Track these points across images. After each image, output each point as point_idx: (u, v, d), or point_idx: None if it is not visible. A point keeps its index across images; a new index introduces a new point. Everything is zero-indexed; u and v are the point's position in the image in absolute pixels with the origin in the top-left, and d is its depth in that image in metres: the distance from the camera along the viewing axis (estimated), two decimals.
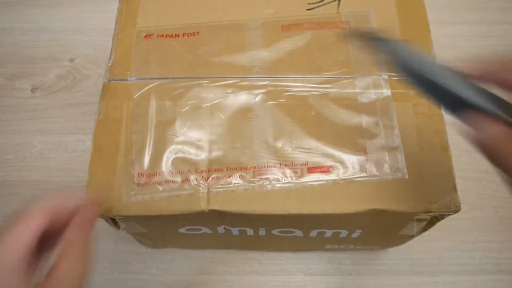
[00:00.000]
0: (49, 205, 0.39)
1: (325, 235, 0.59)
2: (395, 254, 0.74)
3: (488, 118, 0.29)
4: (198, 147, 0.49)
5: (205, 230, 0.57)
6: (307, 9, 0.57)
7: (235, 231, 0.58)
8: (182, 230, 0.57)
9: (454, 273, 0.73)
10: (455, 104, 0.30)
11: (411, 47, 0.34)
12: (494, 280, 0.72)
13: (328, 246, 0.68)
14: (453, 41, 0.90)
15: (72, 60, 0.93)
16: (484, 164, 0.79)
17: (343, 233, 0.57)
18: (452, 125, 0.57)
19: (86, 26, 0.97)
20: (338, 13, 0.56)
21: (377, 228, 0.55)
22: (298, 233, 0.57)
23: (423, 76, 0.31)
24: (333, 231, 0.57)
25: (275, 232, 0.57)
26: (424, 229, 0.52)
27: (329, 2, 0.57)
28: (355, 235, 0.58)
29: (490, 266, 0.73)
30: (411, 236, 0.58)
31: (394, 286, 0.73)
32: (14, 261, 0.34)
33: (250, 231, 0.58)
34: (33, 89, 0.90)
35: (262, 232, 0.58)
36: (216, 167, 0.48)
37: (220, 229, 0.57)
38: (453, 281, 0.72)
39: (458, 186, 0.47)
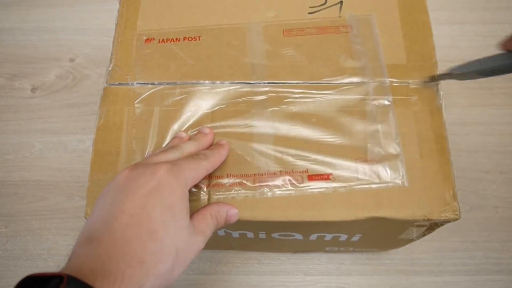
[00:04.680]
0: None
1: (325, 239, 0.59)
2: (395, 254, 0.74)
3: None
4: None
5: None
6: (309, 13, 0.57)
7: (235, 234, 0.58)
8: None
9: (454, 273, 0.73)
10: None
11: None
12: (494, 280, 0.72)
13: (328, 248, 0.69)
14: (453, 41, 0.90)
15: (72, 60, 0.93)
16: (484, 164, 0.80)
17: (343, 237, 0.57)
18: (452, 126, 0.58)
19: (86, 26, 0.97)
20: (340, 16, 0.56)
21: (376, 233, 0.56)
22: (298, 236, 0.58)
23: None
24: (333, 235, 0.57)
25: (275, 235, 0.57)
26: (424, 234, 0.52)
27: (331, 6, 0.57)
28: (355, 238, 0.58)
29: (490, 266, 0.73)
30: (411, 240, 0.58)
31: (394, 286, 0.73)
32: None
33: (250, 234, 0.58)
34: (33, 89, 0.90)
35: (262, 235, 0.58)
36: (217, 174, 0.48)
37: (221, 232, 0.57)
38: (453, 281, 0.73)
39: (458, 186, 0.47)
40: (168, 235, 0.37)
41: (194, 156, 0.45)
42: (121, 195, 0.38)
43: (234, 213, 0.46)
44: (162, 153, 0.44)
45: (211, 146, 0.49)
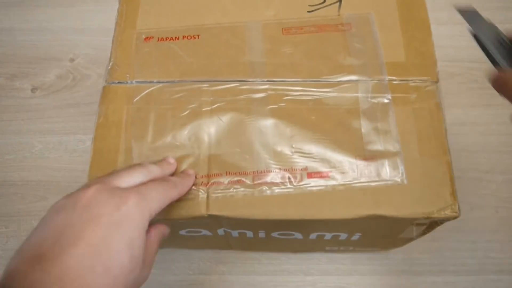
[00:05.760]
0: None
1: (325, 238, 0.59)
2: (395, 254, 0.74)
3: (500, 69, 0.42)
4: (198, 152, 0.49)
5: (205, 232, 0.58)
6: (308, 11, 0.57)
7: (234, 233, 0.58)
8: (182, 232, 0.57)
9: (454, 273, 0.73)
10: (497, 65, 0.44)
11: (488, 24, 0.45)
12: (494, 280, 0.72)
13: (327, 248, 0.68)
14: (453, 41, 0.90)
15: (72, 60, 0.93)
16: (484, 164, 0.80)
17: (343, 236, 0.57)
18: (452, 126, 0.58)
19: (86, 26, 0.97)
20: (339, 15, 0.56)
21: (376, 232, 0.55)
22: (298, 235, 0.58)
23: (486, 49, 0.44)
24: (333, 234, 0.57)
25: (274, 234, 0.57)
26: (424, 232, 0.52)
27: (330, 4, 0.57)
28: (355, 237, 0.58)
29: (490, 266, 0.73)
30: (411, 239, 0.58)
31: (394, 286, 0.73)
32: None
33: (249, 234, 0.58)
34: (33, 89, 0.90)
35: (261, 234, 0.58)
36: (216, 172, 0.48)
37: (220, 232, 0.57)
38: (453, 281, 0.72)
39: (458, 186, 0.47)
40: (122, 272, 0.36)
41: (163, 182, 0.44)
42: (81, 219, 0.36)
43: (166, 231, 0.46)
44: (129, 173, 0.42)
45: (178, 174, 0.48)
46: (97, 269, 0.34)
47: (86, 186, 0.39)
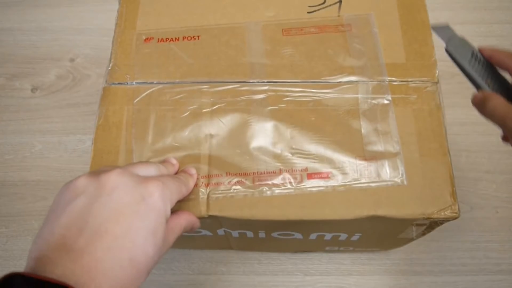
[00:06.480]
0: None
1: (325, 238, 0.59)
2: (395, 254, 0.74)
3: (482, 91, 0.46)
4: (198, 153, 0.49)
5: (205, 232, 0.58)
6: (308, 12, 0.57)
7: (235, 233, 0.58)
8: None
9: (454, 273, 0.73)
10: (472, 81, 0.46)
11: (460, 38, 0.47)
12: (494, 280, 0.72)
13: (327, 248, 0.68)
14: None
15: (72, 60, 0.93)
16: (484, 164, 0.80)
17: (343, 236, 0.57)
18: (452, 126, 0.57)
19: (86, 26, 0.97)
20: (339, 16, 0.56)
21: (376, 232, 0.55)
22: (298, 235, 0.58)
23: (459, 64, 0.46)
24: (333, 234, 0.57)
25: (274, 235, 0.57)
26: (424, 233, 0.52)
27: (330, 5, 0.57)
28: (355, 238, 0.58)
29: (490, 266, 0.73)
30: (411, 239, 0.58)
31: (394, 286, 0.73)
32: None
33: (250, 234, 0.58)
34: (33, 89, 0.90)
35: (262, 234, 0.58)
36: (216, 173, 0.48)
37: (220, 232, 0.57)
38: (453, 281, 0.72)
39: (458, 186, 0.47)
40: (145, 261, 0.37)
41: (174, 177, 0.45)
42: (105, 208, 0.36)
43: (195, 221, 0.46)
44: (144, 166, 0.43)
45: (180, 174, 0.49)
46: (124, 261, 0.35)
47: (106, 170, 0.39)
